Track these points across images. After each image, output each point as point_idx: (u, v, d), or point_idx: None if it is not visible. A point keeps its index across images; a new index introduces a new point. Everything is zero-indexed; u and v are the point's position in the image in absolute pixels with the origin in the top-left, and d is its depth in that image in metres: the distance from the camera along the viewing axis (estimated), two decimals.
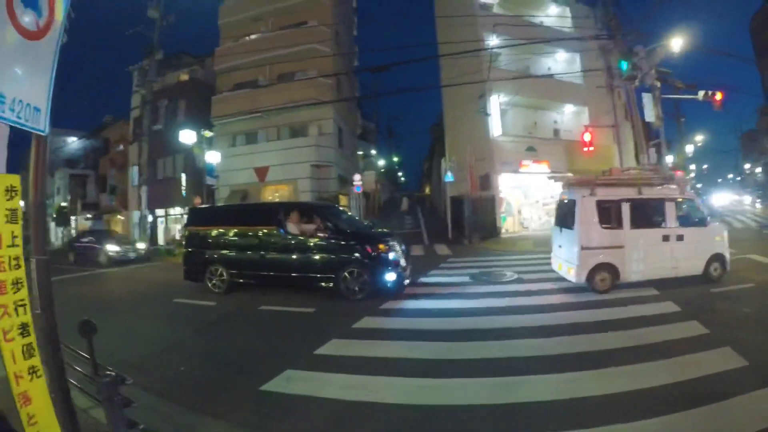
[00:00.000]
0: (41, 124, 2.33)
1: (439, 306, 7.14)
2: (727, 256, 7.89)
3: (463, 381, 4.12)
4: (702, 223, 7.79)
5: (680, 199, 7.74)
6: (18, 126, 2.20)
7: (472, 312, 6.65)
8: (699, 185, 43.83)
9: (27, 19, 2.18)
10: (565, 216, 8.08)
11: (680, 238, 7.49)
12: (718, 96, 15.47)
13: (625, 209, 7.34)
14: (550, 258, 8.93)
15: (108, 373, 2.58)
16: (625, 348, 4.71)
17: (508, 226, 19.81)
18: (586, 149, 18.36)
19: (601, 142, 20.05)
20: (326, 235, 8.16)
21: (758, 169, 50.08)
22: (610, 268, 7.34)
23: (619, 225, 7.38)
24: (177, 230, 22.68)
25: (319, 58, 20.33)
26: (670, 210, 7.52)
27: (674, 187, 7.96)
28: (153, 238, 23.31)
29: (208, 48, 25.18)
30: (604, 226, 7.38)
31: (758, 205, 32.94)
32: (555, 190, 21.57)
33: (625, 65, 16.82)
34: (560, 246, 8.23)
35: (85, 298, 9.58)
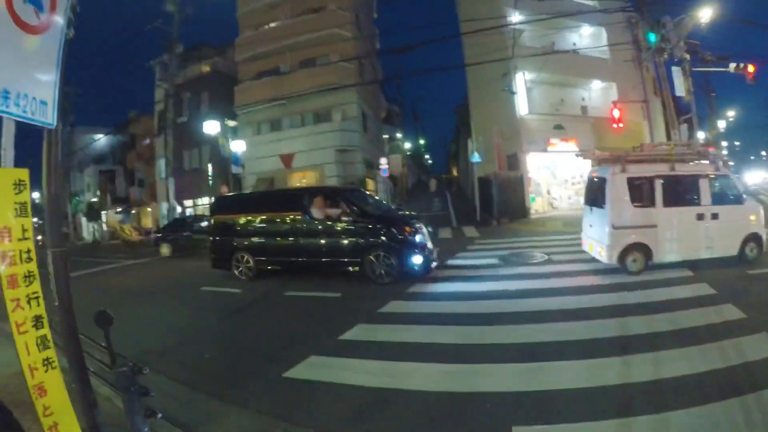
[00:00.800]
0: (49, 117, 2.34)
1: (467, 289, 7.02)
2: (764, 235, 7.47)
3: (492, 366, 4.00)
4: (737, 200, 7.38)
5: (714, 176, 7.34)
6: (25, 120, 2.21)
7: (500, 295, 6.50)
8: (732, 162, 42.29)
9: (27, 13, 2.18)
10: (595, 194, 7.79)
11: (715, 216, 7.11)
12: (751, 68, 14.81)
13: (658, 186, 7.02)
14: (580, 238, 8.65)
15: (124, 362, 2.58)
16: (659, 333, 4.51)
17: (537, 206, 19.48)
18: (615, 126, 17.80)
19: (631, 119, 19.45)
20: (352, 219, 8.09)
21: None
22: (643, 248, 7.05)
23: (651, 203, 7.06)
24: (204, 220, 23.03)
25: (339, 42, 20.20)
26: (704, 187, 7.14)
27: (708, 163, 7.58)
28: None
29: (228, 38, 25.28)
30: (635, 204, 7.07)
31: None
32: (584, 169, 21.13)
33: (653, 37, 16.15)
34: (591, 225, 7.96)
35: (114, 288, 9.84)
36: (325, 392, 3.75)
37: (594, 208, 7.78)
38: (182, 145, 23.22)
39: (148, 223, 29.68)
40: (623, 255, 7.07)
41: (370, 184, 21.81)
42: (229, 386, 4.04)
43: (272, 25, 23.19)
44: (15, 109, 2.13)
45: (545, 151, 19.60)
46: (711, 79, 29.07)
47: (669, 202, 7.06)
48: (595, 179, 7.87)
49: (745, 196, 7.60)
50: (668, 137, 18.62)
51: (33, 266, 2.26)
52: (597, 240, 7.56)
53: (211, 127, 18.82)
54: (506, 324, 5.12)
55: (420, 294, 6.91)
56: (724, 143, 38.87)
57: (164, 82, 22.51)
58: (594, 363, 3.88)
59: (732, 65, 15.53)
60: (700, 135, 24.54)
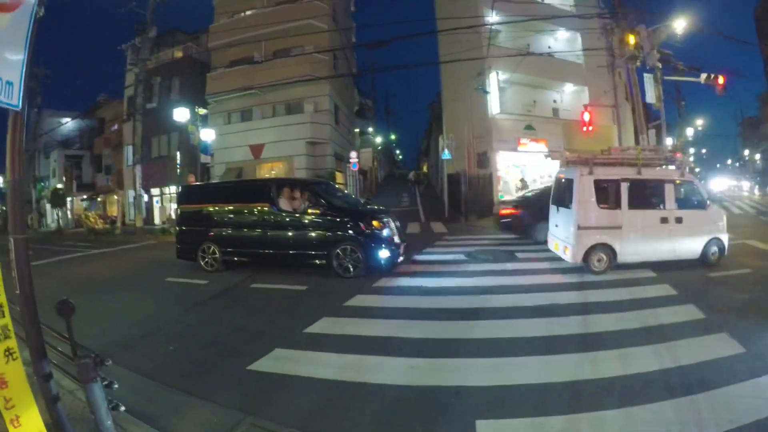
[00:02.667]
0: (14, 99, 2.26)
1: (434, 284, 7.01)
2: (726, 240, 7.73)
3: (456, 361, 4.04)
4: (701, 206, 7.61)
5: (679, 181, 7.55)
6: None
7: (466, 291, 6.51)
8: (698, 169, 43.68)
9: None
10: (562, 195, 7.90)
11: (679, 220, 7.31)
12: (721, 80, 15.18)
13: (624, 189, 7.16)
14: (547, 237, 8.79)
15: (87, 354, 2.50)
16: (620, 331, 4.63)
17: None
18: (585, 129, 18.12)
19: (601, 122, 19.83)
20: (319, 211, 8.03)
21: (757, 156, 49.91)
22: (607, 249, 7.18)
23: (617, 205, 7.21)
24: (172, 209, 22.53)
25: (315, 33, 19.96)
26: (669, 191, 7.33)
27: (674, 168, 7.79)
28: (148, 217, 23.23)
29: (203, 25, 24.73)
30: (601, 205, 7.20)
31: (757, 192, 32.83)
32: (553, 170, 21.49)
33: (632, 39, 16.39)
34: (557, 225, 8.07)
35: (77, 278, 9.47)
36: (289, 385, 3.73)
37: (561, 208, 7.88)
38: (151, 132, 22.62)
39: (114, 211, 28.84)
40: (588, 255, 7.18)
41: (340, 177, 21.72)
42: (194, 379, 3.98)
43: (248, 12, 22.80)
44: None
45: (515, 150, 19.84)
46: (682, 87, 29.91)
47: (634, 204, 7.21)
48: (563, 180, 7.97)
49: (709, 201, 7.81)
50: (636, 142, 19.10)
51: None
52: (562, 239, 7.66)
53: (181, 114, 18.38)
54: (471, 319, 5.16)
55: (386, 288, 6.88)
56: (692, 150, 40.12)
57: (135, 66, 21.83)
58: (556, 359, 3.96)
59: (703, 76, 15.80)
60: (668, 141, 25.25)
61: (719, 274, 7.08)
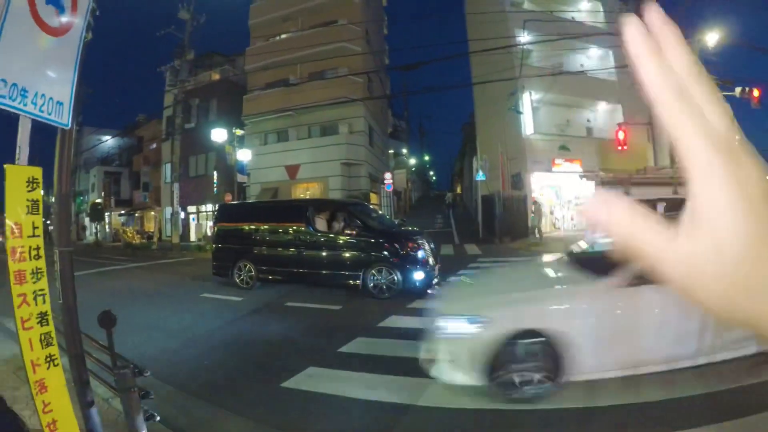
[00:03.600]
0: (64, 117, 2.38)
1: None
2: None
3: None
4: None
5: None
6: (40, 119, 2.25)
7: None
8: None
9: (49, 15, 2.22)
10: None
11: None
12: (756, 93, 14.54)
13: (660, 209, 7.12)
14: None
15: (126, 364, 2.60)
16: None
17: (539, 225, 19.48)
18: (619, 148, 17.80)
19: (636, 141, 19.42)
20: (354, 232, 8.14)
21: None
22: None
23: None
24: (208, 227, 23.11)
25: (349, 56, 20.40)
26: None
27: None
28: (185, 234, 23.90)
29: (239, 48, 25.57)
30: None
31: None
32: (587, 190, 21.20)
33: None
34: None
35: (115, 290, 9.82)
36: (322, 404, 3.76)
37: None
38: (189, 151, 23.39)
39: (151, 227, 29.78)
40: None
41: (374, 198, 21.89)
42: (227, 393, 4.06)
43: (283, 36, 23.48)
44: (32, 108, 2.17)
45: (550, 171, 19.63)
46: None
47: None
48: None
49: None
50: (672, 160, 18.67)
51: (42, 263, 2.27)
52: None
53: (218, 134, 19.00)
54: None
55: (420, 310, 6.78)
56: None
57: (174, 88, 22.74)
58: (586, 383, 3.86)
59: (737, 89, 15.49)
60: None
61: None
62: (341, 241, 8.25)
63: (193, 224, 25.10)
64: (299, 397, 3.91)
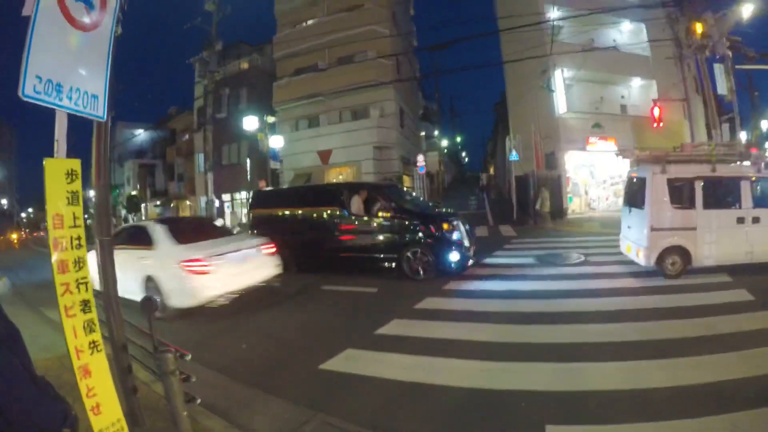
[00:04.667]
0: (99, 110, 2.46)
1: (503, 288, 7.00)
2: None
3: (526, 365, 4.01)
4: None
5: (756, 178, 7.04)
6: (77, 113, 2.32)
7: (536, 294, 6.47)
8: None
9: (79, 12, 2.30)
10: (634, 195, 7.64)
11: (756, 220, 6.82)
12: None
13: (698, 188, 6.83)
14: (617, 240, 8.51)
15: (167, 348, 2.67)
16: (695, 338, 4.44)
17: (574, 206, 19.28)
18: (655, 125, 17.40)
19: (671, 118, 18.95)
20: (389, 215, 8.11)
21: None
22: (682, 252, 6.84)
23: (691, 205, 6.83)
24: (243, 213, 23.66)
25: (377, 39, 20.37)
26: (745, 189, 6.85)
27: (750, 164, 7.27)
28: (221, 223, 24.53)
29: (267, 36, 25.82)
30: (675, 206, 6.90)
31: None
32: (623, 169, 20.74)
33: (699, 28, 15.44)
34: (629, 227, 7.80)
35: None
36: (360, 385, 3.81)
37: (633, 209, 7.64)
38: (221, 141, 23.85)
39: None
40: (661, 258, 6.91)
41: (407, 180, 21.96)
42: (266, 376, 4.13)
43: (310, 22, 23.56)
44: (67, 103, 2.25)
45: (584, 150, 19.34)
46: (754, 76, 27.93)
47: (709, 204, 6.87)
48: (635, 180, 7.75)
49: None
50: (709, 137, 18.06)
51: (83, 252, 2.35)
52: (635, 242, 7.42)
53: (249, 122, 19.31)
54: (541, 324, 5.13)
55: (456, 291, 6.93)
56: None
57: (203, 79, 23.17)
58: (628, 365, 3.89)
59: None
60: (742, 135, 23.72)
61: None
62: (376, 224, 8.24)
63: (228, 212, 25.73)
64: (337, 378, 3.95)
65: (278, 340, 5.25)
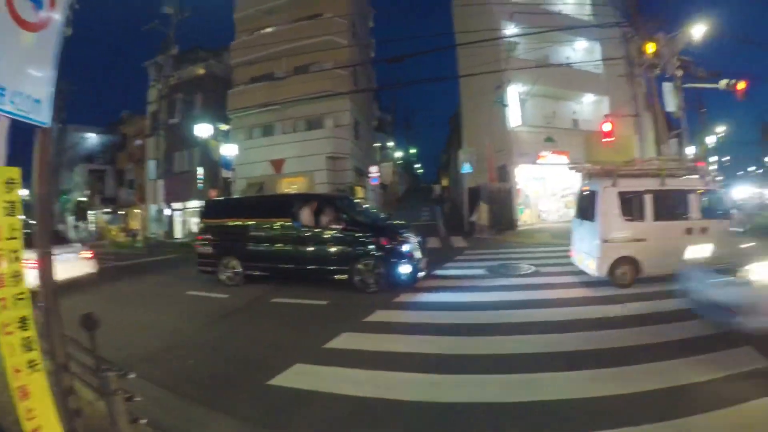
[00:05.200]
0: (42, 116, 2.31)
1: (454, 299, 7.00)
2: None
3: (478, 377, 4.01)
4: (725, 215, 7.42)
5: (703, 191, 7.39)
6: (19, 118, 2.19)
7: (487, 306, 6.46)
8: (720, 177, 42.75)
9: (25, 10, 2.15)
10: (586, 207, 7.80)
11: (704, 231, 7.13)
12: (741, 85, 14.82)
13: (648, 201, 7.05)
14: (568, 251, 8.67)
15: (109, 366, 2.55)
16: (644, 345, 4.51)
17: (525, 217, 19.56)
18: (605, 140, 17.94)
19: (622, 133, 19.59)
20: (341, 226, 8.08)
21: None
22: (632, 262, 7.06)
23: (641, 217, 7.08)
24: (194, 223, 22.85)
25: (335, 49, 20.25)
26: (693, 202, 7.18)
27: (698, 178, 7.64)
28: (170, 232, 23.60)
29: (224, 42, 25.26)
30: (626, 218, 7.10)
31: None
32: (574, 182, 21.26)
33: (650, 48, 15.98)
34: (581, 239, 7.96)
35: (99, 290, 9.60)
36: (310, 401, 3.74)
37: (584, 221, 7.79)
38: (173, 147, 23.10)
39: (135, 225, 29.37)
40: (612, 268, 7.08)
41: (360, 191, 21.83)
42: (214, 392, 4.01)
43: (268, 29, 23.23)
44: (10, 107, 2.10)
45: (535, 163, 19.72)
46: (703, 94, 29.42)
47: (659, 216, 7.09)
48: (586, 193, 7.90)
49: (732, 210, 7.68)
50: (658, 152, 18.79)
51: (19, 266, 2.22)
52: (587, 253, 7.56)
53: (202, 129, 18.73)
54: (492, 335, 5.13)
55: (406, 304, 6.89)
56: (714, 158, 39.32)
57: (158, 83, 22.42)
58: (579, 375, 3.92)
59: (723, 82, 15.39)
60: (690, 150, 24.75)
61: None
62: (327, 236, 8.17)
63: (178, 221, 24.80)
64: (286, 394, 3.87)
65: (226, 355, 5.09)
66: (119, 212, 31.79)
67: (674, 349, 4.35)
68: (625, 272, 7.09)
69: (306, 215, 8.45)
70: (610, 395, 3.46)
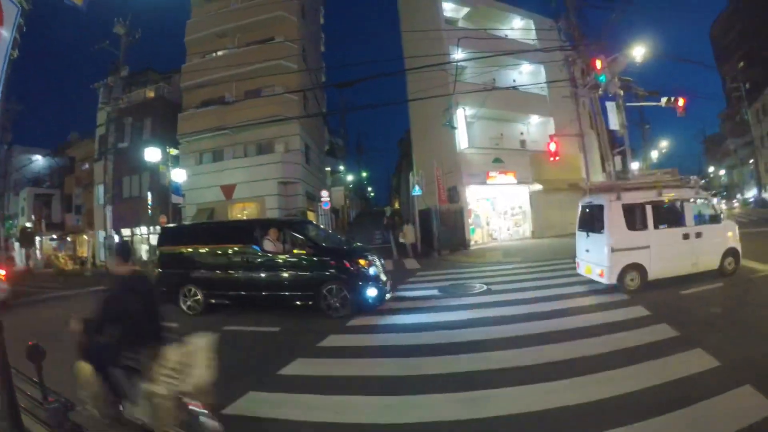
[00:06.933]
0: None
1: (407, 321, 7.07)
2: (740, 249, 8.34)
3: (432, 397, 4.05)
4: (716, 220, 8.32)
5: (695, 200, 8.23)
6: None
7: (440, 326, 6.59)
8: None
9: None
10: (591, 221, 8.43)
11: (699, 235, 7.93)
12: (681, 102, 15.68)
13: (649, 211, 7.78)
14: (519, 268, 9.23)
15: (57, 398, 2.53)
16: (598, 355, 4.70)
17: (477, 237, 20.03)
18: (552, 159, 18.69)
19: (567, 151, 20.41)
20: (304, 252, 7.96)
21: (722, 172, 51.97)
22: (639, 268, 7.71)
23: (643, 226, 7.80)
24: (144, 250, 22.20)
25: (285, 74, 20.31)
26: (688, 210, 8.02)
27: (689, 189, 8.43)
28: None
29: (175, 65, 24.94)
30: (630, 228, 7.78)
31: (723, 205, 34.05)
32: (521, 201, 22.00)
33: (603, 78, 16.63)
34: (587, 250, 8.52)
35: (45, 320, 9.17)
36: (265, 429, 3.73)
37: (591, 234, 8.36)
38: (122, 172, 22.43)
39: (84, 252, 28.23)
40: (622, 275, 7.67)
41: (312, 216, 21.78)
42: None
43: (219, 53, 23.12)
44: None
45: (485, 183, 20.28)
46: (645, 111, 31.09)
47: (659, 224, 7.84)
48: (589, 208, 8.56)
49: (722, 215, 8.53)
50: (603, 169, 19.68)
51: None
52: (596, 263, 8.10)
53: (152, 154, 18.40)
54: (445, 354, 5.19)
55: (359, 327, 6.90)
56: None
57: (107, 106, 21.83)
58: (534, 388, 4.01)
59: (663, 99, 16.16)
60: (634, 165, 26.06)
61: (690, 291, 7.38)
62: (291, 261, 8.02)
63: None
64: (242, 423, 3.80)
65: None
66: (67, 238, 30.45)
67: (625, 357, 4.54)
68: (633, 278, 7.71)
69: (269, 241, 8.27)
70: (567, 405, 3.57)
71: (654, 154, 35.32)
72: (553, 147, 18.78)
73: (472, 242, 19.25)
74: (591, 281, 8.44)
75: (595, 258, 8.16)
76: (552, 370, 4.40)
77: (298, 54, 21.65)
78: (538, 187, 21.61)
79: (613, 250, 7.65)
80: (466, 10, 24.67)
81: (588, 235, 8.50)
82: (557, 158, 18.90)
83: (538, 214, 21.74)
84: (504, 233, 21.26)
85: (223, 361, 5.71)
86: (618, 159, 20.27)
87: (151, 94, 25.11)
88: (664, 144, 38.09)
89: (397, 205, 35.28)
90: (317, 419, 3.78)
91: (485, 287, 9.36)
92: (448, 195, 19.46)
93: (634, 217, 7.82)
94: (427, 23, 21.86)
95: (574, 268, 9.05)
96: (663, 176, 8.56)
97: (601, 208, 7.96)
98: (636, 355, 4.59)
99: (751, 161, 47.26)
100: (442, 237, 17.30)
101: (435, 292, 9.30)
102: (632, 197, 7.87)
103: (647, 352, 4.63)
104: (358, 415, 3.81)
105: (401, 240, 16.48)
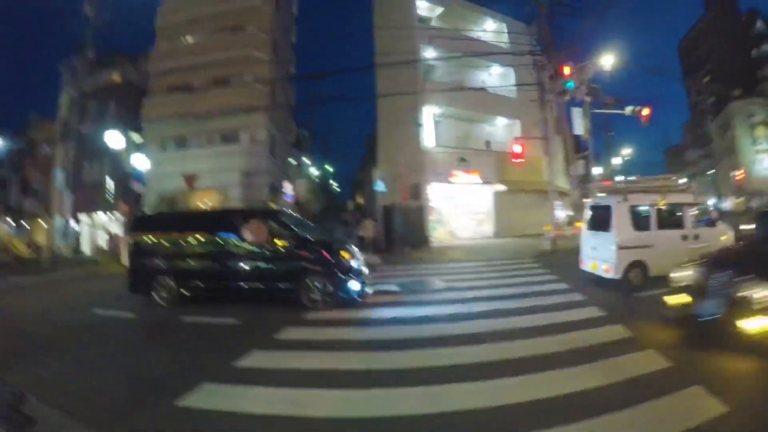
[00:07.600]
0: None
1: (366, 315, 7.07)
2: None
3: (391, 391, 4.04)
4: (711, 223, 8.90)
5: (693, 204, 8.78)
6: None
7: (399, 321, 6.61)
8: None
9: None
10: (599, 220, 8.90)
11: (696, 237, 8.48)
12: (645, 111, 16.12)
13: (653, 213, 8.35)
14: (481, 266, 9.64)
15: (5, 389, 2.41)
16: (552, 353, 4.77)
17: (439, 235, 20.34)
18: (516, 160, 19.01)
19: (532, 153, 20.76)
20: (286, 243, 7.79)
21: (683, 181, 53.91)
22: (641, 265, 8.23)
23: (647, 227, 8.35)
24: (102, 238, 21.73)
25: (254, 64, 20.20)
26: (687, 213, 8.58)
27: (688, 194, 9.01)
28: (78, 246, 22.28)
29: (142, 48, 24.40)
30: (635, 228, 8.29)
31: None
32: (483, 201, 22.48)
33: (572, 84, 17.00)
34: (594, 248, 9.01)
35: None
36: (221, 422, 3.64)
37: (599, 232, 8.84)
38: (83, 156, 21.86)
39: (42, 238, 27.34)
40: (627, 271, 8.17)
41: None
42: (120, 416, 3.83)
43: (189, 39, 22.74)
44: None
45: (448, 182, 20.64)
46: (610, 119, 32.13)
47: (661, 226, 8.39)
48: (596, 209, 9.09)
49: (717, 219, 9.10)
50: (566, 172, 20.31)
51: None
52: (603, 260, 8.56)
53: (113, 139, 17.94)
54: (404, 349, 5.19)
55: (318, 320, 6.85)
56: (620, 179, 42.89)
57: (71, 87, 21.21)
58: (490, 384, 4.07)
59: (628, 108, 16.60)
60: (597, 170, 26.90)
61: (643, 294, 7.63)
62: (271, 252, 7.83)
63: (86, 235, 23.43)
64: (196, 415, 3.75)
65: (131, 377, 4.83)
66: (24, 223, 29.40)
67: (579, 356, 4.63)
68: (636, 274, 8.21)
69: (248, 231, 8.05)
70: (521, 402, 3.65)
71: (616, 161, 36.52)
72: (518, 149, 19.06)
73: (435, 240, 19.54)
74: (550, 281, 8.94)
75: (602, 255, 8.70)
76: (508, 367, 4.48)
77: (268, 44, 21.51)
78: (501, 187, 22.15)
79: (620, 248, 8.20)
80: (440, 9, 24.94)
81: (596, 234, 9.05)
82: (522, 160, 19.24)
83: (501, 214, 22.27)
84: (466, 232, 21.68)
85: (179, 352, 5.75)
86: (581, 163, 20.99)
87: (118, 78, 24.51)
88: (627, 151, 39.37)
89: (361, 200, 35.35)
90: (273, 412, 3.72)
91: (445, 284, 9.44)
92: (411, 192, 19.74)
93: (638, 218, 8.41)
94: (400, 20, 21.97)
95: (535, 268, 9.57)
96: (666, 182, 9.18)
97: (608, 208, 8.51)
98: (589, 354, 4.72)
99: (711, 172, 49.53)
100: (405, 233, 17.51)
101: (395, 287, 9.29)
102: (638, 200, 8.45)
103: (601, 352, 4.76)
104: (314, 409, 3.77)
105: (360, 233, 16.68)
